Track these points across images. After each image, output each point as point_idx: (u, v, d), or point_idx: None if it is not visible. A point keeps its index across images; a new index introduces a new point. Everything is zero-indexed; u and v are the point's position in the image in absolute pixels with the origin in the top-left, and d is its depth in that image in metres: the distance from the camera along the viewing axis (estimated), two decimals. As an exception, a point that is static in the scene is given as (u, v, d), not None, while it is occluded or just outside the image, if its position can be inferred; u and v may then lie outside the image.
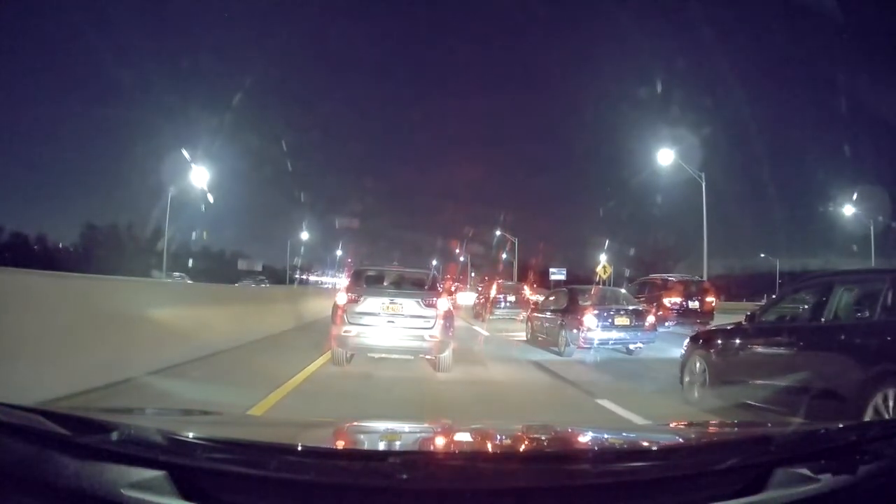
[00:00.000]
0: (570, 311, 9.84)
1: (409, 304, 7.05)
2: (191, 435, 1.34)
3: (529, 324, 12.18)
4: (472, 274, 51.67)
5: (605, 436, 2.18)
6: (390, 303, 7.06)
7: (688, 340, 6.47)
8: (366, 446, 1.79)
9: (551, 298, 11.53)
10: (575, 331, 9.29)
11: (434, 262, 45.37)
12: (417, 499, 1.21)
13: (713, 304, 14.47)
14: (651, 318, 9.89)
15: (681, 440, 1.96)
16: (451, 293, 10.45)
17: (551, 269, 43.84)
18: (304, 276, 56.16)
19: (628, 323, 9.54)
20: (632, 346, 9.70)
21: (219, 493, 1.19)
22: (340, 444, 1.79)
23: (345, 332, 6.97)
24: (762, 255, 41.69)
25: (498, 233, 44.43)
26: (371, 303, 7.05)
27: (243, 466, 1.21)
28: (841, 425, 1.68)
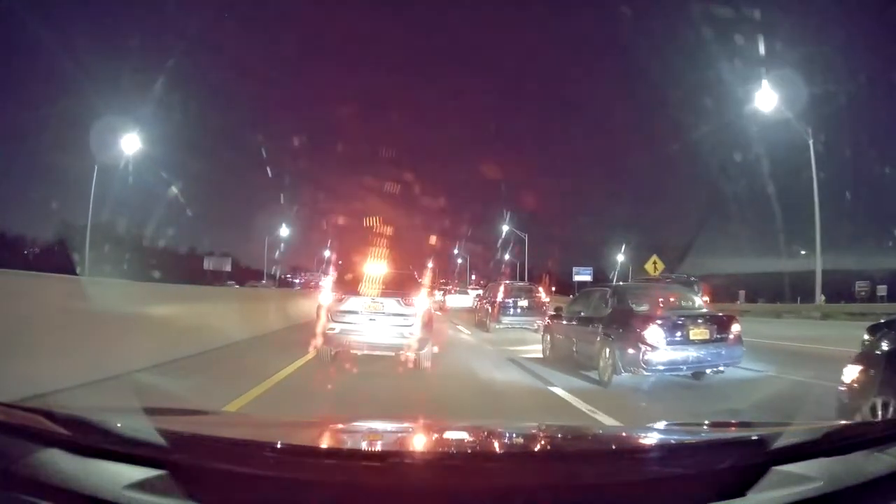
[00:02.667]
0: (619, 319, 6.88)
1: (390, 303, 7.44)
2: (191, 435, 1.37)
3: (547, 336, 9.23)
4: (473, 276, 49.01)
5: (603, 436, 2.21)
6: (372, 302, 7.45)
7: (859, 362, 3.91)
8: (366, 446, 1.81)
9: (583, 302, 8.50)
10: (631, 350, 6.35)
11: (430, 264, 43.66)
12: (418, 497, 1.22)
13: (707, 303, 13.42)
14: (737, 328, 6.93)
15: (679, 440, 1.95)
16: (431, 293, 10.36)
17: (574, 269, 40.85)
18: (298, 278, 52.29)
19: (707, 336, 6.59)
20: (709, 370, 6.78)
21: (219, 493, 1.20)
22: (341, 444, 1.81)
23: (329, 329, 7.38)
24: (802, 253, 38.30)
25: (505, 228, 41.42)
26: (354, 302, 7.45)
27: (243, 466, 1.22)
28: (840, 425, 1.71)
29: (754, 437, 1.66)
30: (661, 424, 2.37)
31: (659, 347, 6.26)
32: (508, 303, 15.98)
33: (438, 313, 20.03)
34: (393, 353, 7.62)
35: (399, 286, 7.91)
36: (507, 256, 46.42)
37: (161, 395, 5.00)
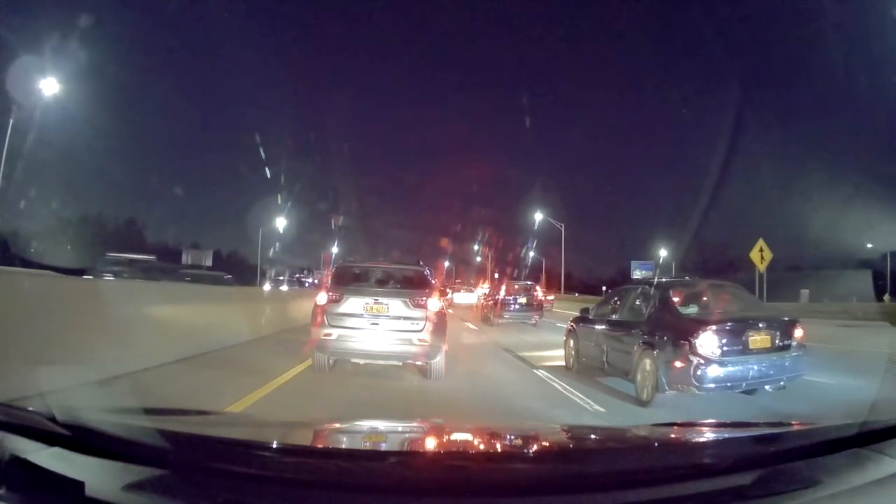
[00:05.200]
0: (662, 324, 5.93)
1: (396, 305, 6.81)
2: (191, 435, 1.43)
3: (571, 342, 8.19)
4: (496, 275, 48.32)
5: (603, 435, 2.24)
6: (374, 303, 6.84)
7: None
8: (366, 446, 1.85)
9: (616, 302, 7.44)
10: (679, 363, 5.39)
11: (447, 264, 44.14)
12: (419, 497, 1.24)
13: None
14: (799, 332, 5.99)
15: (680, 440, 1.96)
16: (443, 293, 9.59)
17: (633, 263, 39.70)
18: (311, 278, 50.52)
19: (769, 344, 5.66)
20: (768, 387, 5.84)
21: (219, 493, 1.22)
22: (341, 444, 1.87)
23: (325, 335, 6.78)
24: (869, 246, 35.80)
25: (538, 216, 40.50)
26: (353, 303, 6.84)
27: (243, 466, 1.26)
28: (840, 425, 1.62)
29: (754, 437, 1.73)
30: (663, 425, 2.37)
31: (714, 359, 5.32)
32: (510, 300, 18.18)
33: (450, 311, 19.67)
34: (400, 363, 7.13)
35: (407, 285, 7.25)
36: (531, 254, 45.65)
37: (162, 394, 5.22)
